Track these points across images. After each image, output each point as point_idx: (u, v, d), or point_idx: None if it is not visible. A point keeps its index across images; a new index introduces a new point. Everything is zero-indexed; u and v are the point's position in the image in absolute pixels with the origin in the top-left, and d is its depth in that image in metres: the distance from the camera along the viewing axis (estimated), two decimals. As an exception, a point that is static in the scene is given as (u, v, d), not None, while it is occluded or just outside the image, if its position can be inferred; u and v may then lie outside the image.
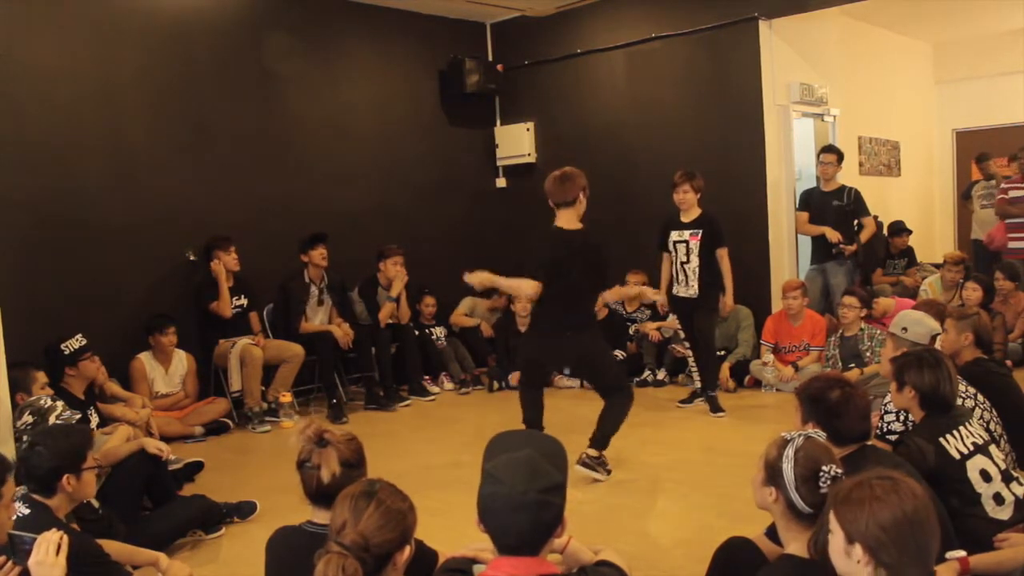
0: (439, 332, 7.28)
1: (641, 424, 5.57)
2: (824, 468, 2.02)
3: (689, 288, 5.74)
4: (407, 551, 1.84)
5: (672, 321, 6.49)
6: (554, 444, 2.04)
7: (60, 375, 4.73)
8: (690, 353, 6.32)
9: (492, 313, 7.68)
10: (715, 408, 5.78)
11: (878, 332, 5.82)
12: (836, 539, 1.76)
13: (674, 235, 5.79)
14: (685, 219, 5.79)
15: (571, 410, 6.00)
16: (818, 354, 6.30)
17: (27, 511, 2.72)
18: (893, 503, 1.70)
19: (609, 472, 4.42)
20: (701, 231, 5.72)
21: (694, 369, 6.19)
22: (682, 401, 6.01)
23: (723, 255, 5.73)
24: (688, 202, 5.75)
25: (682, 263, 5.76)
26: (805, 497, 2.02)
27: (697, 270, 5.69)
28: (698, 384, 6.10)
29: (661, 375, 6.82)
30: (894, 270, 8.15)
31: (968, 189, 8.70)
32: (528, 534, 1.81)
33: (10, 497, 2.43)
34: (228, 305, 6.06)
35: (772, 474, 2.09)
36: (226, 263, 6.08)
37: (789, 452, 2.07)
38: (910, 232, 8.24)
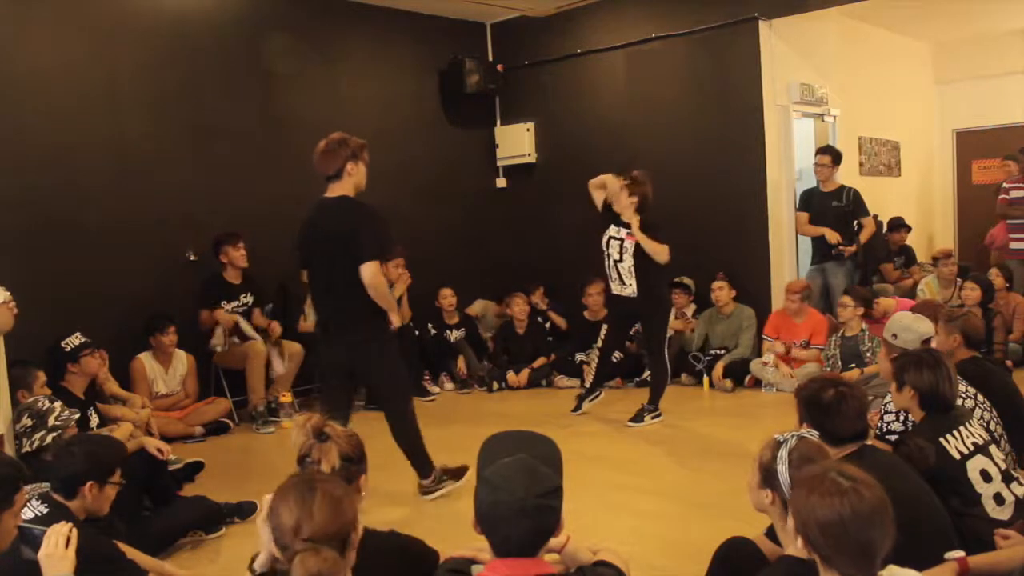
0: (457, 335, 7.25)
1: (640, 424, 5.57)
2: None
3: (626, 287, 5.45)
4: (359, 531, 1.83)
5: (673, 322, 6.47)
6: (547, 445, 2.03)
7: (61, 374, 4.74)
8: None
9: (499, 318, 7.67)
10: (637, 418, 5.52)
11: (878, 332, 5.82)
12: (789, 520, 1.81)
13: (611, 230, 5.47)
14: (625, 219, 5.47)
15: (569, 409, 5.99)
16: (817, 353, 6.30)
17: (45, 510, 2.73)
18: (834, 505, 1.70)
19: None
20: None
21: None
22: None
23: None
24: (622, 203, 5.39)
25: (615, 261, 5.45)
26: (802, 498, 2.02)
27: (632, 271, 5.39)
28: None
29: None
30: (893, 267, 8.11)
31: None
32: (528, 539, 1.81)
33: (21, 505, 2.43)
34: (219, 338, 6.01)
35: (767, 476, 2.09)
36: (233, 259, 6.08)
37: (783, 453, 2.07)
38: (909, 228, 8.22)
